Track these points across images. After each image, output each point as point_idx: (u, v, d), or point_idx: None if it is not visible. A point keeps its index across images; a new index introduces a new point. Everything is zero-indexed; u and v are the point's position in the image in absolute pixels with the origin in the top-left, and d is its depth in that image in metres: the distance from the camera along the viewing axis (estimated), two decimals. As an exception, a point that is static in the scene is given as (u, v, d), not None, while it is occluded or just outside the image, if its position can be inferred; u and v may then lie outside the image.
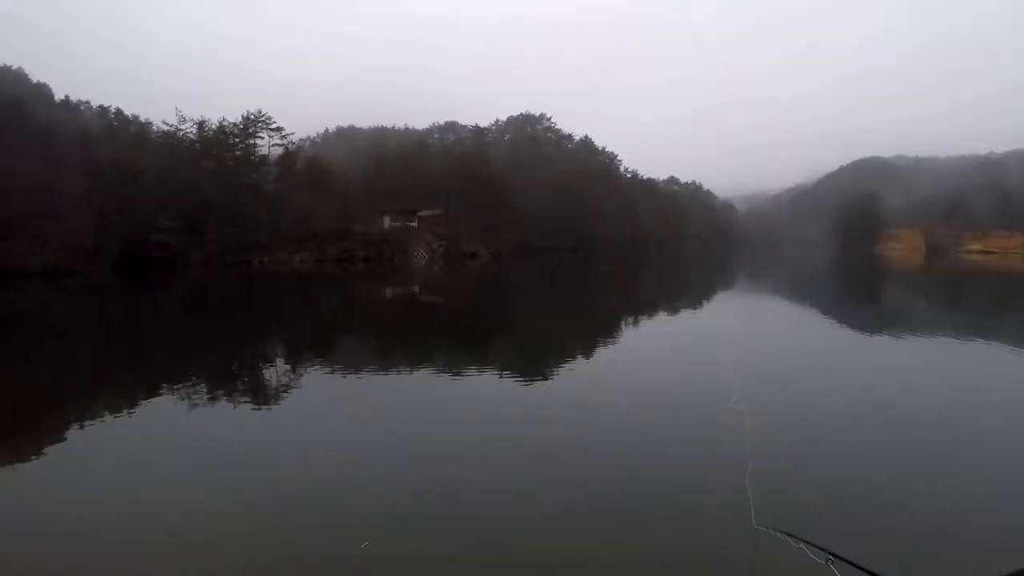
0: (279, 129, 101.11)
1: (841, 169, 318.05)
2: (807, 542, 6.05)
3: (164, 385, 18.71)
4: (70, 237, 65.50)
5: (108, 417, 15.47)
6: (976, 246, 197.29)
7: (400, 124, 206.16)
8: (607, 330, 30.42)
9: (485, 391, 18.02)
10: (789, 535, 6.56)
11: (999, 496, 10.38)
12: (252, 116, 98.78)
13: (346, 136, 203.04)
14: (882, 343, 26.87)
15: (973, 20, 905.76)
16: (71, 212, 66.12)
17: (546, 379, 19.97)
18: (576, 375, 20.57)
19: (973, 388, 18.42)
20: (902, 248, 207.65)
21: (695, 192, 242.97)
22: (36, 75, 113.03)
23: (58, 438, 13.84)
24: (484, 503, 10.02)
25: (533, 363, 22.91)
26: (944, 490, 10.58)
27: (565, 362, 22.99)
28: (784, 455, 12.06)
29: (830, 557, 5.30)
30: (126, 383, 20.49)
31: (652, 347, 25.90)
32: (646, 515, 9.65)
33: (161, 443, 13.32)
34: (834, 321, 35.88)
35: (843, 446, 12.77)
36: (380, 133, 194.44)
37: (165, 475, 11.45)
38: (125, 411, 15.96)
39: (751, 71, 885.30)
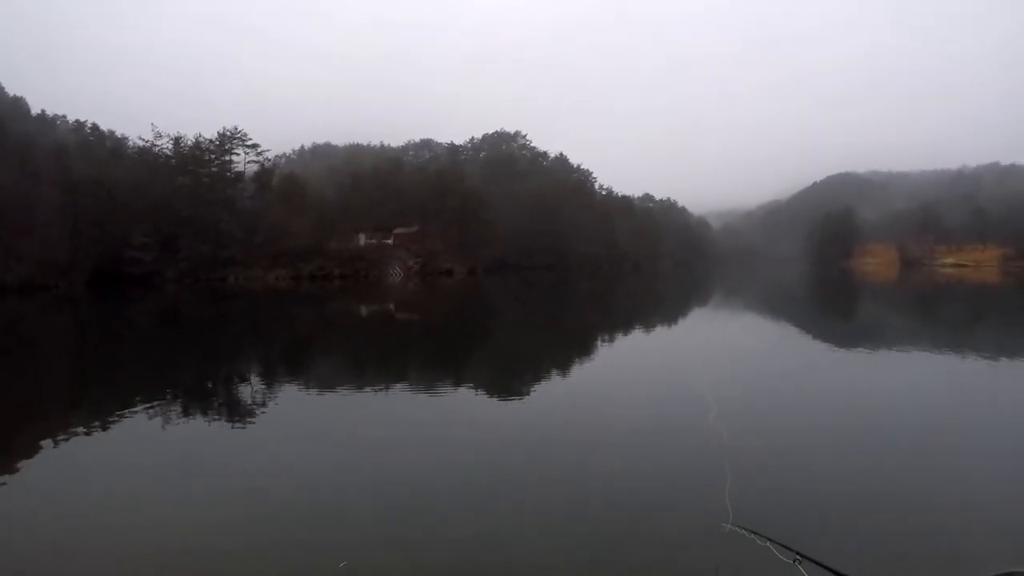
0: (255, 146, 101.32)
1: (815, 184, 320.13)
2: (773, 541, 6.14)
3: (138, 402, 18.46)
4: (45, 251, 65.28)
5: (81, 434, 15.33)
6: (950, 259, 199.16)
7: (375, 141, 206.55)
8: (584, 349, 30.39)
9: (462, 409, 17.98)
10: (755, 533, 6.65)
11: (969, 505, 10.55)
12: (228, 133, 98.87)
13: (321, 153, 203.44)
14: (857, 358, 27.07)
15: (947, 39, 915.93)
16: (46, 227, 65.94)
17: (523, 397, 19.92)
18: (553, 393, 20.53)
19: (947, 402, 18.65)
20: (876, 262, 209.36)
21: (670, 209, 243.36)
22: (12, 89, 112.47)
23: (30, 455, 13.67)
24: (462, 521, 9.98)
25: (510, 382, 22.86)
26: (918, 500, 10.76)
27: (542, 380, 23.00)
28: (762, 469, 12.14)
29: (797, 557, 5.38)
30: (99, 400, 20.19)
31: (630, 365, 25.93)
32: (624, 530, 9.68)
33: (135, 461, 13.21)
34: (809, 336, 36.10)
35: (821, 460, 12.88)
36: (355, 150, 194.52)
37: (139, 493, 11.38)
38: (98, 428, 15.77)
39: (726, 89, 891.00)
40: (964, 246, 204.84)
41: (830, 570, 4.82)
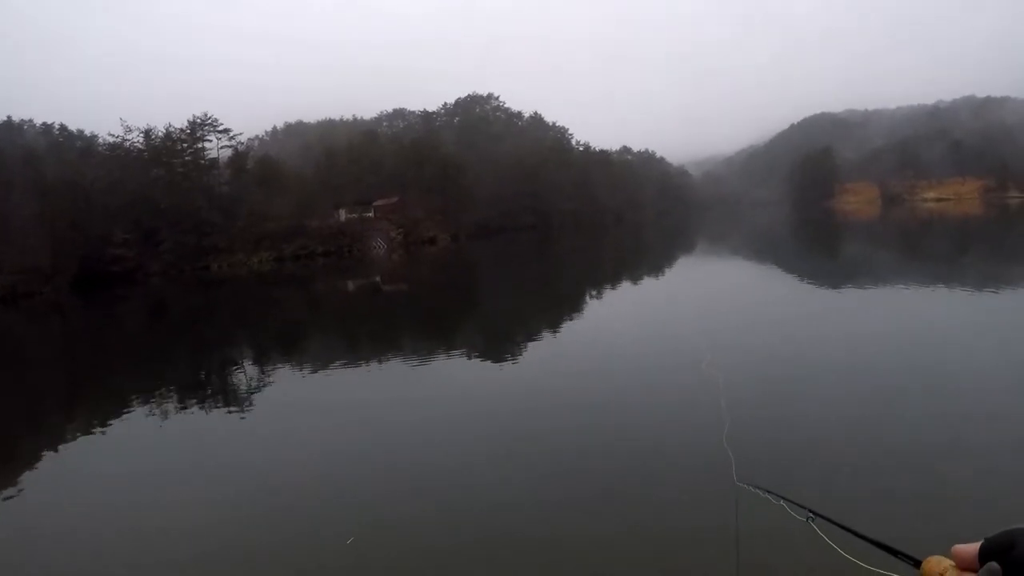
0: (227, 131, 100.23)
1: (793, 127, 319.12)
2: (787, 499, 6.19)
3: (136, 400, 18.72)
4: (25, 259, 64.62)
5: (82, 437, 15.54)
6: (931, 194, 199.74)
7: (348, 115, 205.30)
8: (574, 306, 30.55)
9: (458, 378, 18.21)
10: (769, 492, 6.70)
11: (977, 451, 10.58)
12: (198, 120, 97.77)
13: (294, 132, 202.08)
14: (845, 299, 27.29)
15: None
16: (24, 234, 65.31)
17: (519, 360, 20.13)
18: (548, 353, 20.79)
19: (940, 338, 18.72)
20: (858, 200, 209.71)
21: (649, 160, 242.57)
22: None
23: (32, 463, 13.89)
24: (465, 492, 10.20)
25: (504, 345, 23.05)
26: (912, 443, 10.93)
27: (536, 341, 23.22)
28: (757, 413, 12.45)
29: (810, 515, 5.41)
30: (96, 402, 20.49)
31: (621, 319, 26.16)
32: (631, 482, 10.04)
33: (139, 456, 13.43)
34: (795, 278, 36.48)
35: (814, 401, 13.20)
36: (329, 126, 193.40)
37: (147, 487, 11.59)
38: (99, 429, 15.98)
39: (698, 35, 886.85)
40: (944, 180, 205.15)
41: (844, 528, 4.85)
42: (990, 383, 13.85)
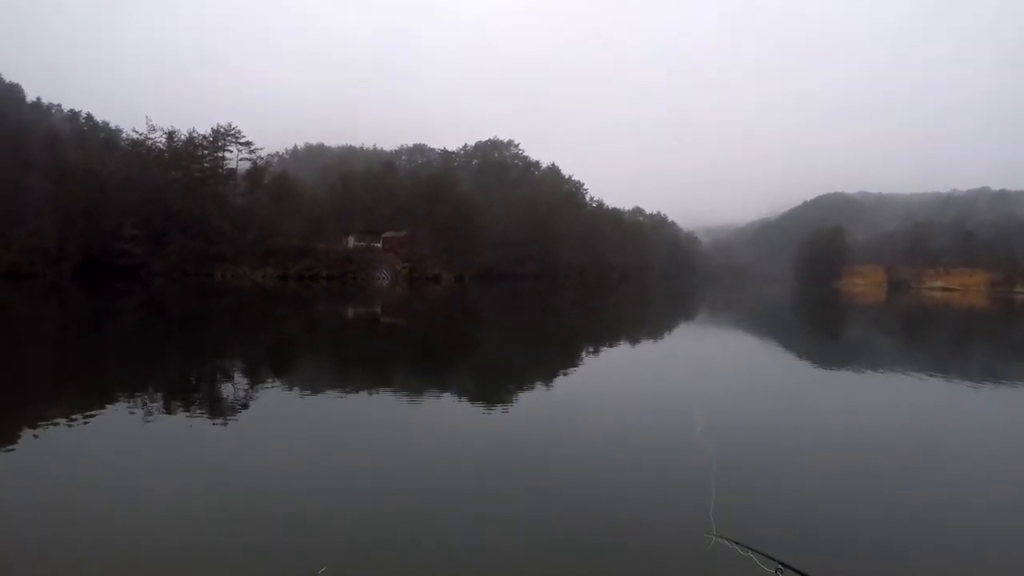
0: (248, 143, 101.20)
1: (805, 204, 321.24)
2: (755, 550, 6.28)
3: (119, 397, 18.49)
4: (34, 239, 65.02)
5: (63, 424, 15.18)
6: (938, 283, 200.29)
7: (368, 144, 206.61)
8: (570, 360, 30.33)
9: (445, 417, 17.92)
10: (737, 543, 6.79)
11: (950, 525, 10.76)
12: (222, 129, 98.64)
13: (314, 154, 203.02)
14: (843, 378, 27.22)
15: (941, 65, 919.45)
16: (36, 215, 65.72)
17: (507, 408, 19.76)
18: (537, 405, 20.45)
19: (932, 423, 18.89)
20: (864, 283, 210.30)
21: (660, 223, 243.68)
22: (8, 75, 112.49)
23: (8, 446, 13.51)
24: (443, 531, 9.94)
25: (494, 392, 22.70)
26: (900, 520, 10.84)
27: (527, 392, 22.86)
28: (747, 485, 12.20)
29: (779, 566, 5.52)
30: (80, 392, 20.08)
31: (615, 378, 25.88)
32: (607, 542, 9.74)
33: (111, 458, 13.09)
34: (796, 355, 36.38)
35: (806, 478, 12.96)
36: (348, 152, 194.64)
37: (112, 494, 11.25)
38: (79, 421, 15.57)
39: (721, 106, 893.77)
40: (952, 270, 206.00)
41: None
42: (972, 465, 14.22)
